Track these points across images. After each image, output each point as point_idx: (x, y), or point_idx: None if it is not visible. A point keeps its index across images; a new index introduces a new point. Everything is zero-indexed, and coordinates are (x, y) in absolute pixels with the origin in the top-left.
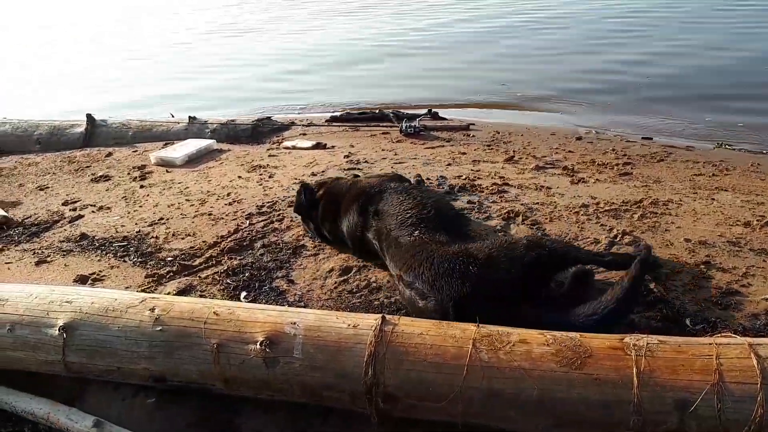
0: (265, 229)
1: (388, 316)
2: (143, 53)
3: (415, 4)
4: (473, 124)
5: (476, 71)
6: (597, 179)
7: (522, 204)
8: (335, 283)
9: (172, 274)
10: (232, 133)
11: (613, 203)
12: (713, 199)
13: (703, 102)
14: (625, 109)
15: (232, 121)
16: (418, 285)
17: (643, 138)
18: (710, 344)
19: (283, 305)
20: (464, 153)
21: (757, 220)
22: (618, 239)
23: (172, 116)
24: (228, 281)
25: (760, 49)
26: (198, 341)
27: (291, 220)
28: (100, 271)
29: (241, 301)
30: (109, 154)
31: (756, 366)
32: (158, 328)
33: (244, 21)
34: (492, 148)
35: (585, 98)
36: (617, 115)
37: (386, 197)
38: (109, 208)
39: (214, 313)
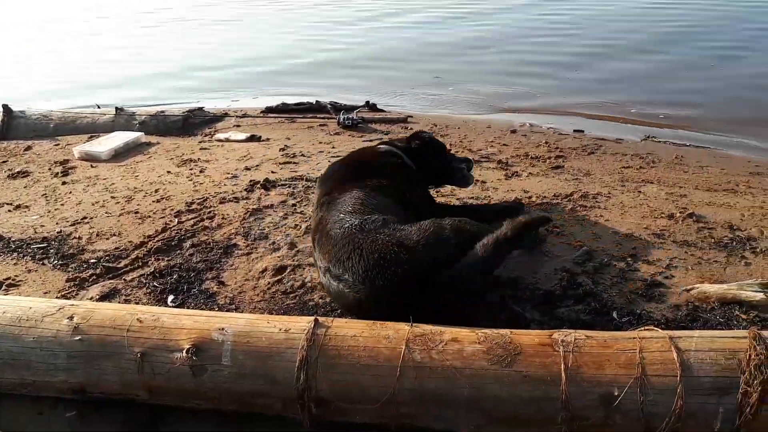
0: (195, 227)
1: (321, 319)
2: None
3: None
4: (411, 117)
5: (408, 64)
6: (530, 173)
7: (458, 199)
8: (268, 283)
9: (95, 277)
10: (161, 126)
11: (545, 197)
12: (640, 191)
13: (630, 95)
14: (556, 102)
15: (162, 112)
16: (348, 277)
17: (574, 131)
18: (634, 338)
19: (213, 309)
20: None
21: (680, 212)
22: (547, 233)
23: (98, 107)
24: (155, 284)
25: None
26: (120, 350)
27: (222, 218)
28: (15, 275)
29: (168, 305)
30: (28, 148)
31: (676, 359)
32: (77, 338)
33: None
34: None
35: (516, 89)
36: (548, 108)
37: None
38: (27, 206)
39: (137, 320)
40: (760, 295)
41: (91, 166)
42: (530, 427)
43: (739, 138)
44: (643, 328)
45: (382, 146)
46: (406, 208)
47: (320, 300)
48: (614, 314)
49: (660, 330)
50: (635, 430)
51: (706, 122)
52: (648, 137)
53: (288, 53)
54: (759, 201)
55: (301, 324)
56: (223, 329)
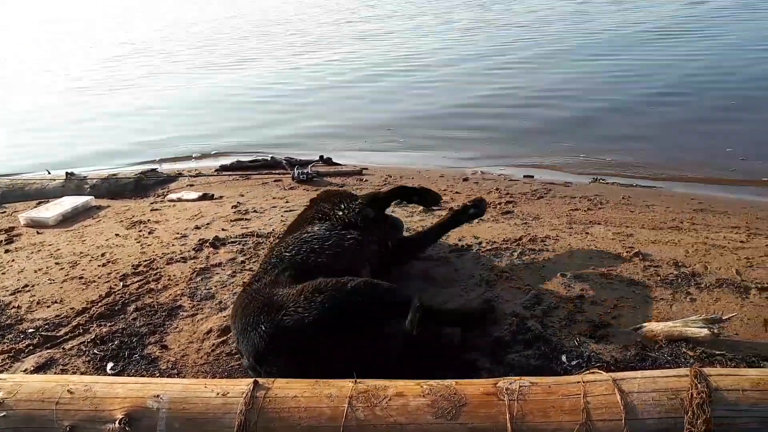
0: (140, 290)
1: (261, 380)
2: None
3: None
4: (366, 169)
5: (356, 113)
6: (480, 219)
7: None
8: (213, 345)
9: (32, 347)
10: (113, 188)
11: (495, 242)
12: (587, 233)
13: (578, 141)
14: (507, 148)
15: (114, 175)
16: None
17: (524, 176)
18: (578, 382)
19: (155, 374)
20: None
21: (627, 252)
22: (496, 278)
23: (48, 173)
24: (95, 351)
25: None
26: (48, 425)
27: (168, 279)
28: None
29: (107, 372)
30: None
31: (620, 402)
32: (2, 414)
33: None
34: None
35: (467, 137)
36: (499, 153)
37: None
38: None
39: (68, 391)
40: (704, 331)
41: (37, 233)
42: None
43: (681, 177)
44: (587, 372)
45: None
46: None
47: None
48: (563, 357)
49: (603, 373)
50: None
51: (650, 164)
52: (596, 179)
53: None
54: (702, 237)
55: (240, 387)
56: (158, 396)
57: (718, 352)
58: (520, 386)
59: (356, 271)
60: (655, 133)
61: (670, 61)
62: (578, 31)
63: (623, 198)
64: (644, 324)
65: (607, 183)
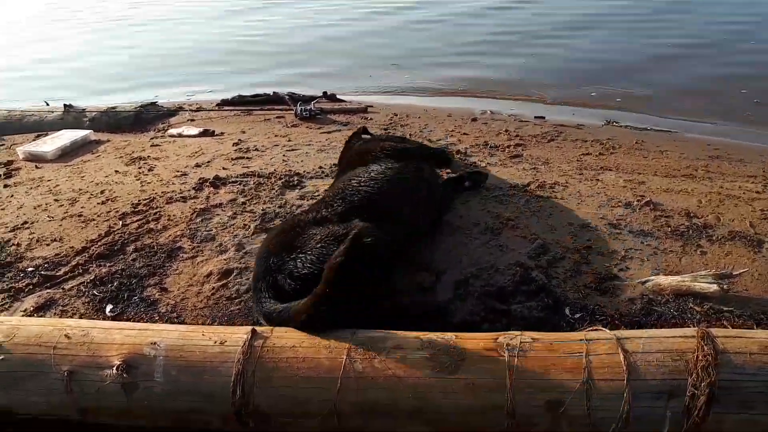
0: (139, 230)
1: (259, 329)
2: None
3: None
4: (371, 106)
5: (363, 50)
6: (488, 163)
7: None
8: (213, 288)
9: (31, 287)
10: (113, 122)
11: (502, 188)
12: (598, 179)
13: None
14: (514, 87)
15: (113, 108)
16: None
17: (535, 117)
18: (581, 340)
19: (154, 317)
20: None
21: (638, 200)
22: (501, 226)
23: (47, 104)
24: (94, 292)
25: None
26: (47, 369)
27: (168, 219)
28: None
29: (106, 314)
30: None
31: (623, 362)
32: (0, 357)
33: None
34: (389, 132)
35: (473, 74)
36: (507, 94)
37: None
38: None
39: (65, 336)
40: (713, 287)
41: (36, 167)
42: None
43: (697, 122)
44: (590, 329)
45: None
46: None
47: None
48: (567, 310)
49: (607, 330)
50: None
51: (665, 107)
52: (609, 122)
53: (233, 47)
54: (716, 186)
55: (238, 335)
56: (155, 343)
57: (726, 309)
58: (521, 342)
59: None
60: (672, 76)
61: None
62: None
63: (636, 142)
64: (652, 277)
65: (621, 126)
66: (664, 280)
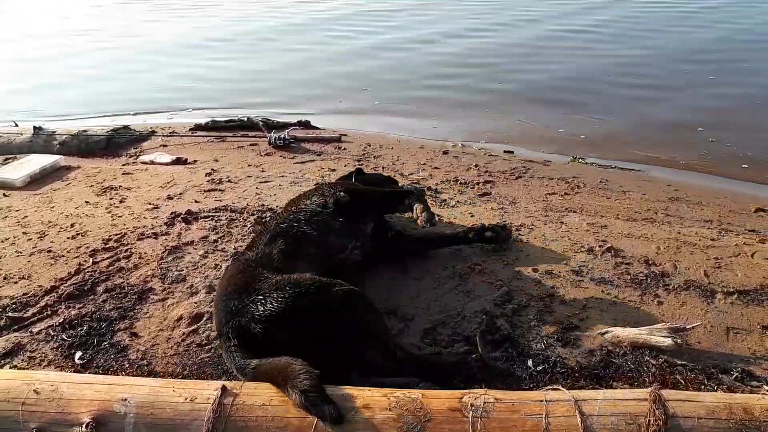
0: (110, 268)
1: (229, 385)
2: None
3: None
4: (345, 135)
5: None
6: (458, 201)
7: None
8: (183, 334)
9: None
10: (84, 146)
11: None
12: (562, 222)
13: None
14: (487, 117)
15: (84, 131)
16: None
17: (505, 151)
18: (541, 401)
19: (124, 364)
20: (334, 170)
21: (599, 246)
22: (469, 271)
23: (15, 125)
24: (64, 336)
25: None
26: (14, 426)
27: (139, 257)
28: None
29: (75, 362)
30: None
31: (580, 425)
32: None
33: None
34: (362, 164)
35: (444, 104)
36: (479, 125)
37: None
38: None
39: (34, 391)
40: (668, 341)
41: (4, 195)
42: None
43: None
44: (550, 387)
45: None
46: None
47: None
48: (530, 362)
49: (566, 391)
50: None
51: (626, 145)
52: (575, 158)
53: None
54: (675, 232)
55: (208, 392)
56: (126, 400)
57: (679, 362)
58: (484, 402)
59: (342, 248)
60: (633, 111)
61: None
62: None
63: (600, 181)
64: (611, 329)
65: (586, 163)
66: (623, 332)
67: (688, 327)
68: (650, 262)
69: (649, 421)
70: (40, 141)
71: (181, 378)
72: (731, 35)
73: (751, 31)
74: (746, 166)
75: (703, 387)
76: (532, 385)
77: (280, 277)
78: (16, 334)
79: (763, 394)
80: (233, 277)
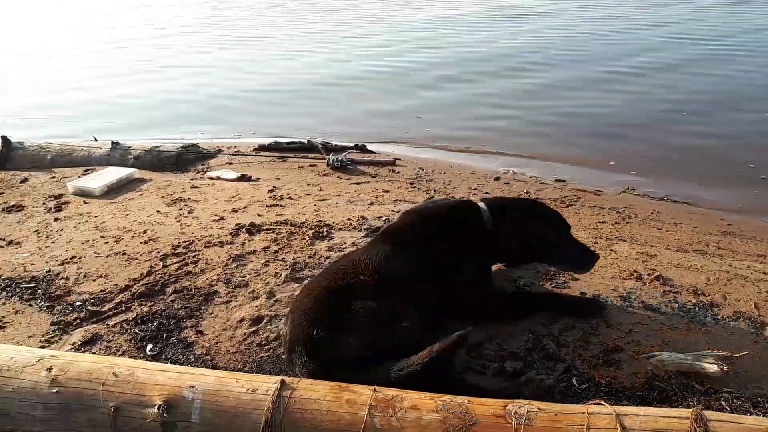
0: (178, 272)
1: (287, 379)
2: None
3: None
4: (399, 159)
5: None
6: None
7: None
8: (245, 334)
9: (79, 321)
10: (156, 161)
11: None
12: (612, 249)
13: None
14: (533, 144)
15: (157, 147)
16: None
17: (556, 180)
18: (583, 413)
19: (190, 359)
20: (387, 191)
21: (648, 274)
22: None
23: (95, 139)
24: (136, 330)
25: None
26: (95, 404)
27: (206, 263)
28: (2, 317)
29: (147, 353)
30: (25, 180)
31: None
32: (54, 390)
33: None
34: (414, 187)
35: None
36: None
37: None
38: (19, 242)
39: (113, 373)
40: (714, 367)
41: (84, 202)
42: None
43: (713, 194)
44: (593, 402)
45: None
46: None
47: None
48: (574, 381)
49: (608, 405)
50: None
51: (680, 178)
52: (627, 189)
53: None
54: (726, 264)
55: (268, 384)
56: (193, 387)
57: (725, 389)
58: (527, 411)
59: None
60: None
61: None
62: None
63: (652, 213)
64: (656, 353)
65: (637, 194)
66: (668, 357)
67: (735, 356)
68: (699, 292)
69: None
70: (117, 155)
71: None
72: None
73: None
74: None
75: (748, 414)
76: (575, 401)
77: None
78: (95, 325)
79: None
80: (320, 292)
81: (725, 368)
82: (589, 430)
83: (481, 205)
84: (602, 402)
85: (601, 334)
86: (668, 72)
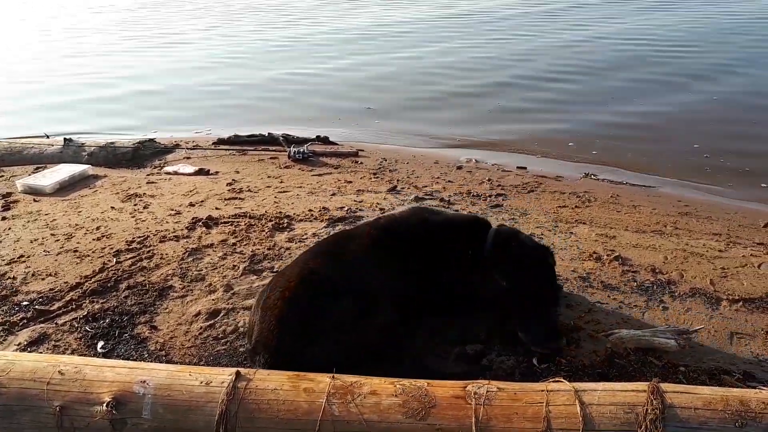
0: (132, 267)
1: (243, 371)
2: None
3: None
4: (362, 150)
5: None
6: (470, 211)
7: None
8: (201, 328)
9: (26, 321)
10: (111, 157)
11: None
12: (572, 232)
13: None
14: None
15: (112, 143)
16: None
17: (518, 167)
18: (542, 391)
19: (143, 355)
20: (350, 182)
21: (607, 255)
22: None
23: (47, 137)
24: (87, 328)
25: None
26: (40, 404)
27: (161, 258)
28: None
29: (98, 351)
30: None
31: (579, 413)
32: None
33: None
34: (378, 177)
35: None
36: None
37: None
38: None
39: (59, 372)
40: (671, 342)
41: (34, 200)
42: None
43: (670, 178)
44: (552, 380)
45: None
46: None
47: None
48: (534, 361)
49: (567, 382)
50: None
51: (637, 161)
52: (587, 175)
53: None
54: (683, 243)
55: (222, 377)
56: (144, 382)
57: (682, 363)
58: (487, 391)
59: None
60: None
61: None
62: None
63: (611, 196)
64: (615, 331)
65: (598, 179)
66: (627, 334)
67: (691, 330)
68: (657, 271)
69: (647, 410)
70: (70, 152)
71: None
72: None
73: None
74: (765, 185)
75: (704, 386)
76: (536, 381)
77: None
78: (42, 325)
79: (760, 389)
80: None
81: (682, 343)
82: (548, 407)
83: (493, 229)
84: (561, 379)
85: (561, 315)
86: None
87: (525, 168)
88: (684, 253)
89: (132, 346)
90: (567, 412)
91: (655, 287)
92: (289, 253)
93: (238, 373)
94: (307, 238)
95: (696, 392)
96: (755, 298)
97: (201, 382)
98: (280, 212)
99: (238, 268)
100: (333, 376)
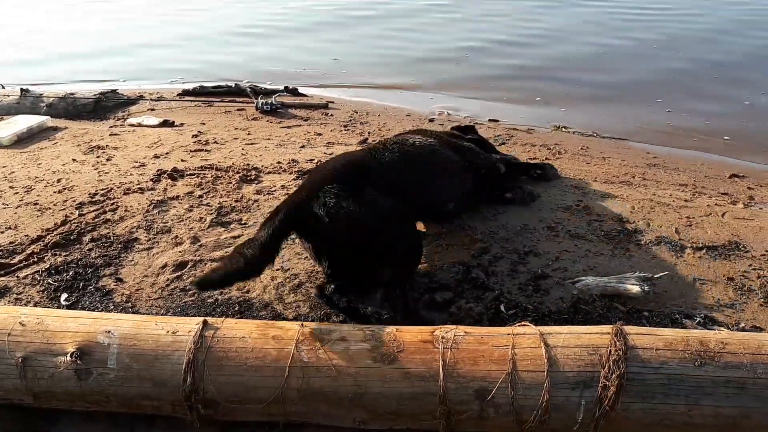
0: (96, 220)
1: (210, 320)
2: None
3: None
4: (332, 102)
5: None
6: None
7: None
8: (167, 280)
9: None
10: (71, 109)
11: None
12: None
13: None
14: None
15: (72, 94)
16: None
17: (489, 120)
18: (508, 335)
19: (109, 307)
20: (320, 134)
21: (576, 204)
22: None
23: (2, 87)
24: (49, 281)
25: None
26: (1, 355)
27: (125, 210)
28: None
29: (61, 303)
30: None
31: (544, 355)
32: None
33: None
34: (348, 129)
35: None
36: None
37: None
38: None
39: (20, 323)
40: (636, 288)
41: None
42: (411, 421)
43: (640, 131)
44: (519, 324)
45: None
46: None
47: (220, 296)
48: (502, 307)
49: (533, 326)
50: (507, 423)
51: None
52: (558, 127)
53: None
54: (650, 193)
55: (189, 326)
56: (109, 332)
57: (646, 309)
58: (455, 335)
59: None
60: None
61: None
62: None
63: (581, 148)
64: (581, 278)
65: (569, 131)
66: (593, 281)
67: (655, 276)
68: (624, 220)
69: (610, 351)
70: (27, 103)
71: None
72: None
73: None
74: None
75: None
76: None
77: None
78: (3, 279)
79: (719, 329)
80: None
81: (646, 289)
82: (514, 350)
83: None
84: (527, 323)
85: (529, 263)
86: None
87: (497, 120)
88: (651, 203)
89: (97, 299)
90: (532, 354)
91: (621, 236)
92: (257, 206)
93: (205, 322)
94: (275, 190)
95: (658, 334)
96: (718, 245)
97: (167, 332)
98: (248, 164)
99: (205, 220)
100: (302, 324)
